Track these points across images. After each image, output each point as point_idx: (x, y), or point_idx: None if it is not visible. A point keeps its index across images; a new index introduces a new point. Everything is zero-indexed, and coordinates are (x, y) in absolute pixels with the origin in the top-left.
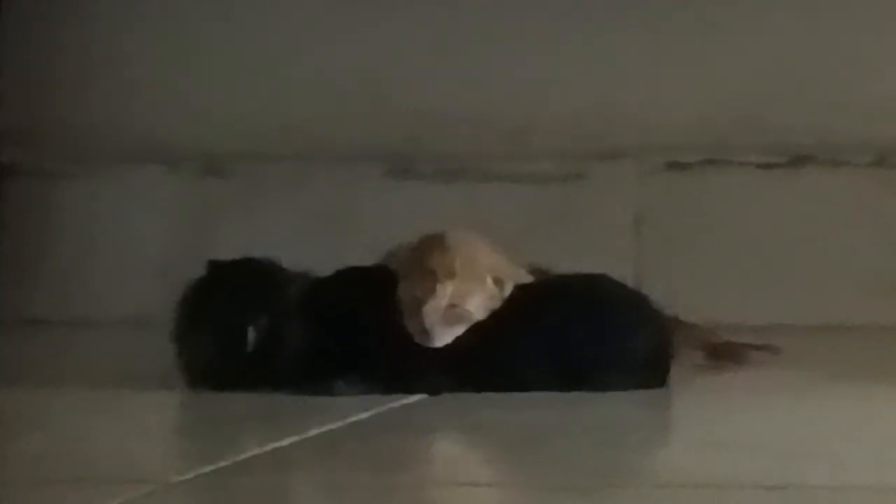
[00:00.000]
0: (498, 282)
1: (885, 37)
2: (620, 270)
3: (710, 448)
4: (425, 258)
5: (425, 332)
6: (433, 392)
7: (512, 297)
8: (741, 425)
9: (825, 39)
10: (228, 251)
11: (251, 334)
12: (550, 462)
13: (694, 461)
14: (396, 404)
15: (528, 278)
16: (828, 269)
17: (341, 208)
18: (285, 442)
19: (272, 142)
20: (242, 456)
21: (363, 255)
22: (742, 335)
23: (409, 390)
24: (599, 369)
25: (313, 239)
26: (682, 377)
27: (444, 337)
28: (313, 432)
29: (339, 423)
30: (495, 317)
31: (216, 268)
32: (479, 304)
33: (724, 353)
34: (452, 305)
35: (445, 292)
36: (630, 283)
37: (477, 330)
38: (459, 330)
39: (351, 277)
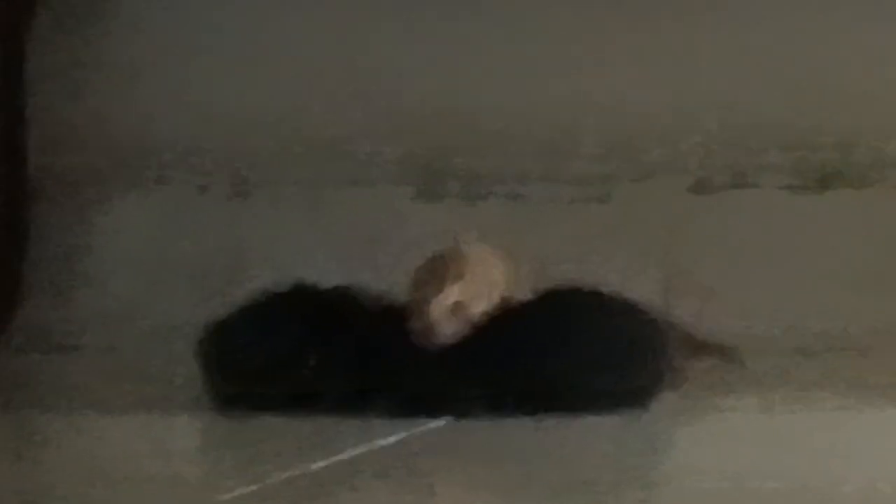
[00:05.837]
0: (504, 299)
1: None
2: (649, 290)
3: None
4: (437, 264)
5: (427, 329)
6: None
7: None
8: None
9: (855, 56)
10: (255, 272)
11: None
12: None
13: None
14: (424, 428)
15: (527, 293)
16: (854, 289)
17: (372, 230)
18: (323, 463)
19: (298, 164)
20: (282, 476)
21: (392, 277)
22: (769, 356)
23: (434, 413)
24: (574, 394)
25: (340, 261)
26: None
27: (445, 335)
28: (347, 455)
29: (368, 447)
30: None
31: (266, 302)
32: (482, 311)
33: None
34: (458, 304)
35: (453, 291)
36: (658, 304)
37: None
38: (460, 332)
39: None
